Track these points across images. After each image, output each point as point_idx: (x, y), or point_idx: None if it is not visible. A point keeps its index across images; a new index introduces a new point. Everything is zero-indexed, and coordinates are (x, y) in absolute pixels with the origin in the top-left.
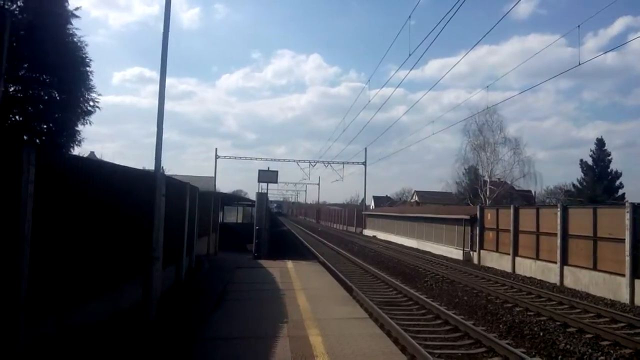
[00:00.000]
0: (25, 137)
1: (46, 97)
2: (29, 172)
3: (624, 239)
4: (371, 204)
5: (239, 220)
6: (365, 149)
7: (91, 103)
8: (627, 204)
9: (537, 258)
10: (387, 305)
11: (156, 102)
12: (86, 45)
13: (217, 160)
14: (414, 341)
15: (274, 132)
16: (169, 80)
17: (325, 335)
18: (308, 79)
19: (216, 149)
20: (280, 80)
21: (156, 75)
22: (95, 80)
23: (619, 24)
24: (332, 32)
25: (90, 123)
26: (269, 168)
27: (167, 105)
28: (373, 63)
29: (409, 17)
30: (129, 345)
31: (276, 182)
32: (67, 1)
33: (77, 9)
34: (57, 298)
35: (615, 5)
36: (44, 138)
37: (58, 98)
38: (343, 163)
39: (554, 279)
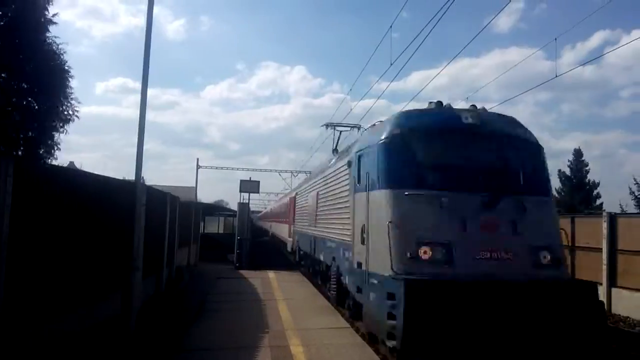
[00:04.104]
0: (2, 148)
1: (25, 106)
2: (7, 183)
3: None
4: None
5: (221, 231)
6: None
7: (70, 112)
8: None
9: None
10: None
11: (138, 112)
12: (64, 52)
13: (199, 170)
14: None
15: (257, 142)
16: (152, 91)
17: (306, 345)
18: (292, 90)
19: (197, 159)
20: (265, 91)
21: (139, 85)
22: (78, 90)
23: (596, 38)
24: (317, 44)
25: (66, 132)
26: (250, 178)
27: (150, 116)
28: (357, 75)
29: (390, 27)
30: (108, 356)
31: (258, 192)
32: (46, 9)
33: (55, 15)
34: (34, 308)
35: (592, 19)
36: (22, 148)
37: (37, 107)
38: None
39: None
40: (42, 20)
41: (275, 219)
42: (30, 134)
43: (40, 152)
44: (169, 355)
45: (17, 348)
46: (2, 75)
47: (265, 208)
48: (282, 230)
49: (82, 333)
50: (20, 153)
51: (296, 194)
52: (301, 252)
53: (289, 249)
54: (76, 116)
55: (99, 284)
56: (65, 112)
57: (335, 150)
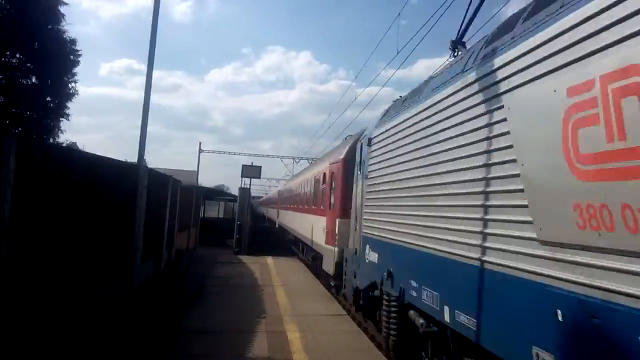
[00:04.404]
0: (6, 122)
1: (29, 84)
2: (10, 162)
3: None
4: None
5: (221, 215)
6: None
7: (72, 89)
8: None
9: None
10: None
11: (142, 94)
12: (71, 34)
13: (201, 154)
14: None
15: (260, 128)
16: (156, 73)
17: (302, 331)
18: (297, 76)
19: (200, 143)
20: (270, 76)
21: (145, 67)
22: (83, 70)
23: None
24: (325, 30)
25: (67, 117)
26: (252, 163)
27: (154, 98)
28: (363, 61)
29: (398, 14)
30: (106, 336)
31: (259, 177)
32: None
33: None
34: (37, 286)
35: None
36: (26, 126)
37: (41, 86)
38: None
39: None
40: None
41: (290, 206)
42: (34, 112)
43: (45, 129)
44: (168, 337)
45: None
46: (6, 52)
47: (268, 192)
48: (306, 227)
49: (79, 312)
50: (21, 131)
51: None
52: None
53: (330, 268)
54: (76, 93)
55: (98, 265)
56: (69, 92)
57: None
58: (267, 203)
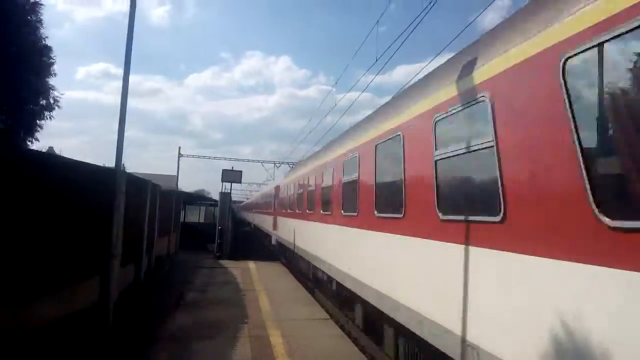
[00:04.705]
0: None
1: (4, 90)
2: None
3: None
4: None
5: (201, 220)
6: None
7: (51, 100)
8: None
9: None
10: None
11: (119, 98)
12: (46, 37)
13: (181, 158)
14: (371, 341)
15: (240, 133)
16: (135, 77)
17: (286, 336)
18: (277, 81)
19: (179, 147)
20: (249, 80)
21: (122, 71)
22: (59, 75)
23: None
24: (304, 35)
25: (50, 118)
26: (233, 168)
27: (132, 102)
28: (343, 66)
29: (377, 22)
30: (86, 343)
31: (240, 182)
32: None
33: None
34: (8, 293)
35: None
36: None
37: (18, 91)
38: None
39: None
40: (26, 4)
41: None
42: (9, 118)
43: (20, 135)
44: (147, 344)
45: None
46: None
47: (249, 197)
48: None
49: (58, 323)
50: None
51: None
52: None
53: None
54: (58, 105)
55: (74, 274)
56: (47, 99)
57: None
58: (249, 208)
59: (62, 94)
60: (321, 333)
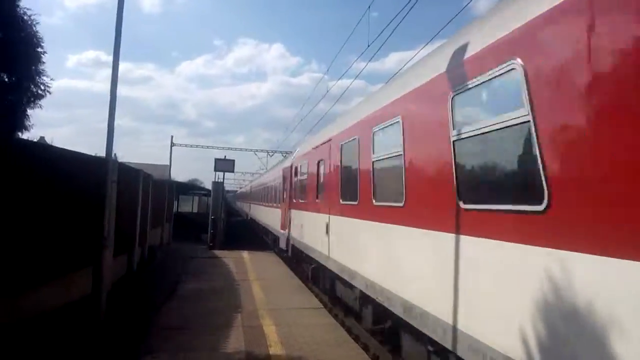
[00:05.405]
0: None
1: None
2: None
3: None
4: None
5: (195, 210)
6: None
7: (42, 87)
8: None
9: None
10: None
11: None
12: (37, 23)
13: (173, 148)
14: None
15: (233, 121)
16: (125, 65)
17: (279, 324)
18: (270, 68)
19: (172, 137)
20: (242, 68)
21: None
22: (50, 63)
23: None
24: (297, 22)
25: (40, 107)
26: (225, 157)
27: (123, 90)
28: (336, 54)
29: (369, 7)
30: (78, 336)
31: (233, 171)
32: None
33: None
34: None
35: None
36: None
37: (6, 80)
38: None
39: None
40: None
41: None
42: None
43: (10, 125)
44: (141, 334)
45: None
46: None
47: (242, 186)
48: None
49: (51, 313)
50: None
51: None
52: None
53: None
54: (48, 92)
55: (64, 265)
56: (37, 87)
57: None
58: (244, 198)
59: (52, 79)
60: (314, 322)
